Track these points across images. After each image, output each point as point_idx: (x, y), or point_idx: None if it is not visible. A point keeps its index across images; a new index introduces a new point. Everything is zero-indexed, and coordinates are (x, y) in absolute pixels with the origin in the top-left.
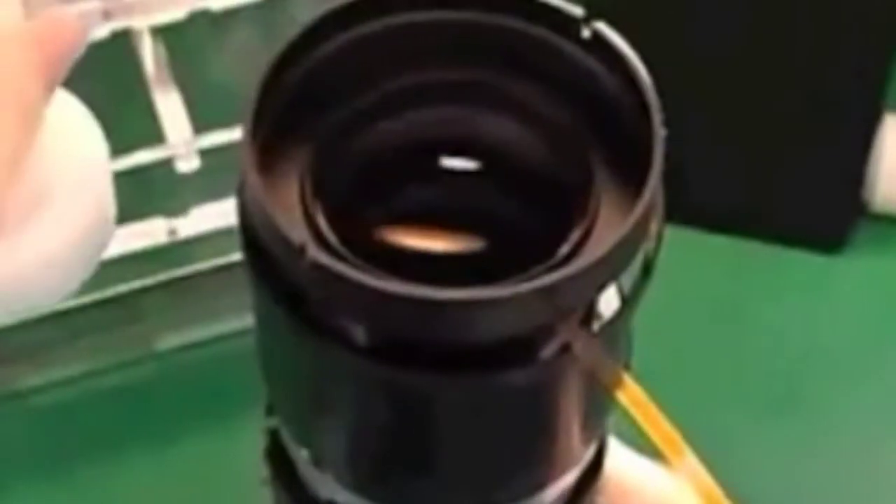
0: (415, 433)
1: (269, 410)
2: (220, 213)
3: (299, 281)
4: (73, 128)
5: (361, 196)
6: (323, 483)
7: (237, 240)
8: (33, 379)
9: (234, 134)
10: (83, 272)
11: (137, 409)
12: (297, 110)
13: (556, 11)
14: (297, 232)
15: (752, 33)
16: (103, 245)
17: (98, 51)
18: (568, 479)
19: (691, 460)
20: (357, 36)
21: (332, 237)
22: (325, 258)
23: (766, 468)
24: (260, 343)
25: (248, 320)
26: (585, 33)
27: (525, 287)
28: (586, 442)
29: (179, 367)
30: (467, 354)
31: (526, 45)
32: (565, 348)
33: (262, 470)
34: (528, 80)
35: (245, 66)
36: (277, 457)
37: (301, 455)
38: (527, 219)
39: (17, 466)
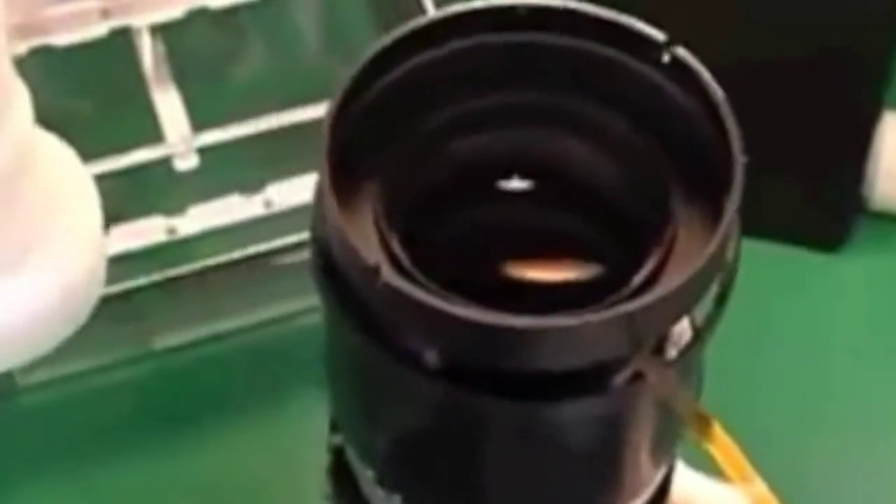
0: (485, 459)
1: (334, 427)
2: (218, 212)
3: (373, 303)
4: (65, 180)
5: (434, 220)
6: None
7: (236, 238)
8: (30, 377)
9: (233, 132)
10: (68, 327)
11: (135, 408)
12: (367, 137)
13: (636, 35)
14: (372, 255)
15: (749, 28)
16: (89, 301)
17: (96, 49)
18: None
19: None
20: (426, 60)
21: (406, 261)
22: (398, 281)
23: (766, 463)
24: (328, 360)
25: (246, 319)
26: (665, 58)
27: (600, 316)
28: (655, 469)
29: (178, 366)
30: (539, 381)
31: (602, 68)
32: (638, 377)
33: (326, 486)
34: (604, 104)
35: (243, 63)
36: (340, 474)
37: (366, 475)
38: (601, 246)
39: (13, 465)
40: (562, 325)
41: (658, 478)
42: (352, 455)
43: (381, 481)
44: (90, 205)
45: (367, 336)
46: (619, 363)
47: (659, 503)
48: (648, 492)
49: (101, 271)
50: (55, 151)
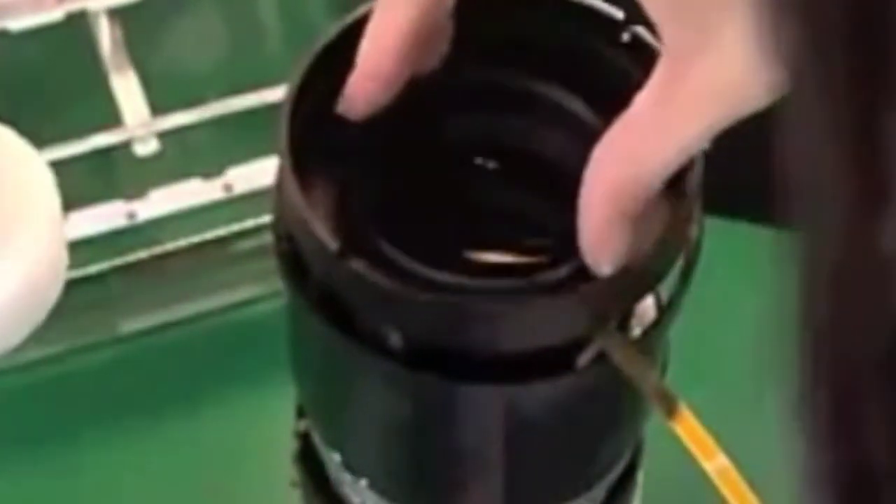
0: (450, 442)
1: (300, 413)
2: (179, 196)
3: (337, 288)
4: (21, 173)
5: (397, 202)
6: (354, 488)
7: (197, 222)
8: None
9: (192, 116)
10: (30, 325)
11: (99, 394)
12: (326, 122)
13: (595, 14)
14: (334, 239)
15: None
16: (51, 298)
17: (53, 33)
18: (597, 493)
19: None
20: None
21: (371, 246)
22: (362, 266)
23: (729, 438)
24: (292, 346)
25: (207, 303)
26: (624, 37)
27: (563, 295)
28: (621, 449)
29: (141, 350)
30: (503, 363)
31: (560, 47)
32: (602, 356)
33: (293, 472)
34: (562, 84)
35: (202, 47)
36: (307, 460)
37: (333, 459)
38: (565, 226)
39: None
40: (526, 305)
41: (625, 457)
42: (318, 440)
43: (347, 465)
44: (49, 196)
45: (330, 321)
46: (583, 342)
47: (627, 483)
48: (616, 472)
49: (63, 261)
50: (8, 143)
